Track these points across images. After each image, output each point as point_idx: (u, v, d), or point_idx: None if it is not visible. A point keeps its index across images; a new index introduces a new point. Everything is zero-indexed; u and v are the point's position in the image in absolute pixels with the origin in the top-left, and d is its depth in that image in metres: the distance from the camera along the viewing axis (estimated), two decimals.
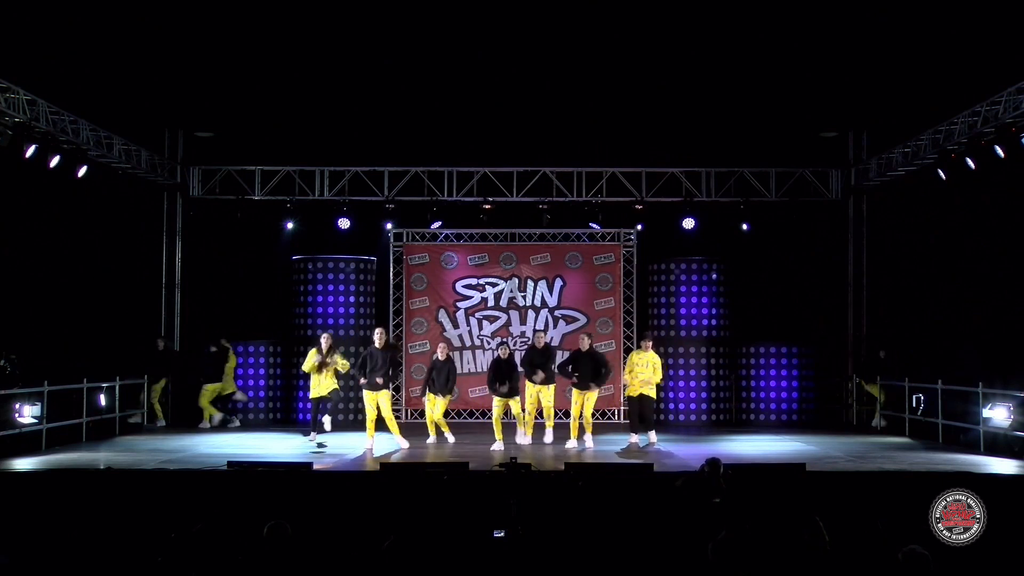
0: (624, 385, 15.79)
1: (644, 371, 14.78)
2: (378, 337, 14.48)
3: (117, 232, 17.85)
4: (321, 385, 14.60)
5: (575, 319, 18.76)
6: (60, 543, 6.89)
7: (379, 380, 14.21)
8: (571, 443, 14.51)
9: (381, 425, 14.40)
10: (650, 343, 15.21)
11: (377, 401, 14.28)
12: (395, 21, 14.79)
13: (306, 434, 14.83)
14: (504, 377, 14.50)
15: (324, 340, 14.73)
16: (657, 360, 15.06)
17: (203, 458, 13.04)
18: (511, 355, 15.20)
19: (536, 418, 14.85)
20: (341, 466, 12.52)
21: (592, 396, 14.56)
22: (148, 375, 17.10)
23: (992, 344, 15.69)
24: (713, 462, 9.29)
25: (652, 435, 14.76)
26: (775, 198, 18.43)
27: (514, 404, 14.64)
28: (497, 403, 14.60)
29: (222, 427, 16.98)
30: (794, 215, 18.26)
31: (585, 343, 14.76)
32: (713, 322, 18.45)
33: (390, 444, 14.33)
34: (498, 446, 14.01)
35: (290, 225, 18.16)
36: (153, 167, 17.74)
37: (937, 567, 5.84)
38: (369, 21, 14.71)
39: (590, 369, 14.52)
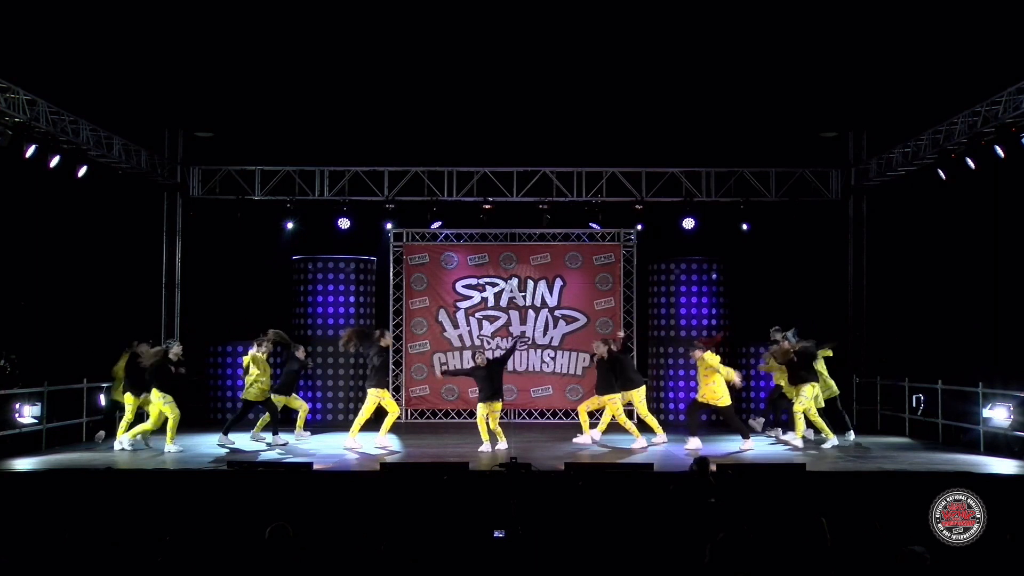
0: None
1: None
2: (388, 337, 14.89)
3: (117, 232, 17.84)
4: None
5: (575, 319, 18.76)
6: (60, 543, 6.89)
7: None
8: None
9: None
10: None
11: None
12: (395, 21, 14.78)
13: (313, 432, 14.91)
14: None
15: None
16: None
17: (203, 458, 13.05)
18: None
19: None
20: (341, 466, 12.52)
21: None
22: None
23: (992, 344, 15.69)
24: (701, 461, 9.30)
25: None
26: (775, 198, 18.43)
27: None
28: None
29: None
30: (794, 215, 18.25)
31: (602, 349, 14.69)
32: (713, 322, 18.45)
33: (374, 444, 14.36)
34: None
35: (290, 225, 18.17)
36: (153, 167, 17.74)
37: (937, 567, 5.83)
38: (369, 21, 14.71)
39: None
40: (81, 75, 15.09)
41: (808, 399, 14.19)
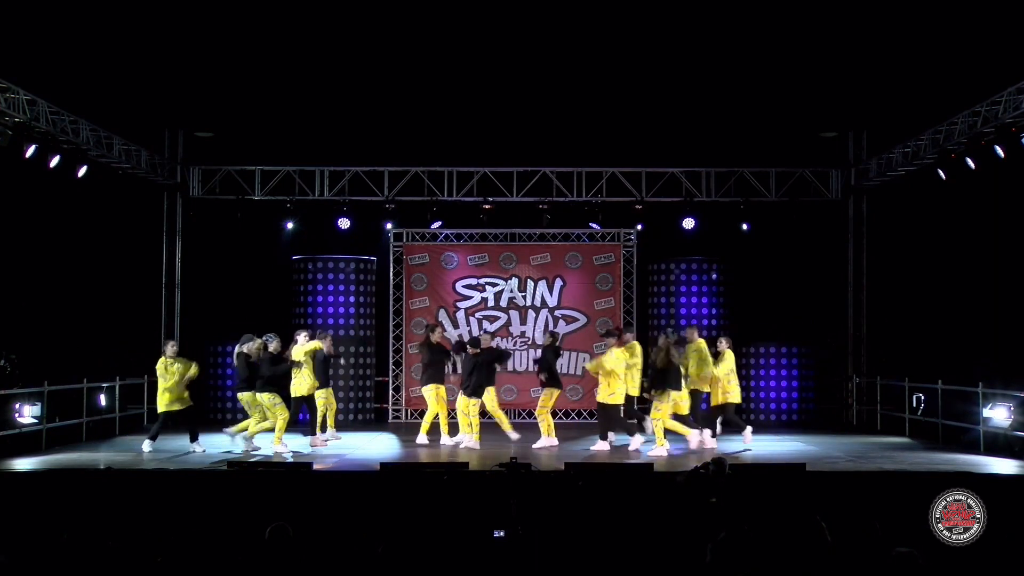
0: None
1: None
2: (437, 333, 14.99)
3: (117, 232, 17.85)
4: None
5: (575, 319, 18.76)
6: (60, 543, 6.89)
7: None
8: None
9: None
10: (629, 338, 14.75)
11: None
12: (395, 21, 14.80)
13: (306, 434, 14.85)
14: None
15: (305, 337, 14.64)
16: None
17: (203, 458, 13.05)
18: None
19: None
20: (341, 466, 12.52)
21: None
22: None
23: (992, 344, 15.69)
24: (719, 460, 9.31)
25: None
26: (775, 198, 18.43)
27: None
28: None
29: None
30: (794, 215, 18.26)
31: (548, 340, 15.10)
32: (713, 322, 18.45)
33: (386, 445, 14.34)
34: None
35: (290, 225, 18.18)
36: (153, 167, 17.74)
37: (937, 567, 5.83)
38: (369, 21, 14.72)
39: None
40: (81, 75, 15.10)
41: (668, 405, 13.58)
